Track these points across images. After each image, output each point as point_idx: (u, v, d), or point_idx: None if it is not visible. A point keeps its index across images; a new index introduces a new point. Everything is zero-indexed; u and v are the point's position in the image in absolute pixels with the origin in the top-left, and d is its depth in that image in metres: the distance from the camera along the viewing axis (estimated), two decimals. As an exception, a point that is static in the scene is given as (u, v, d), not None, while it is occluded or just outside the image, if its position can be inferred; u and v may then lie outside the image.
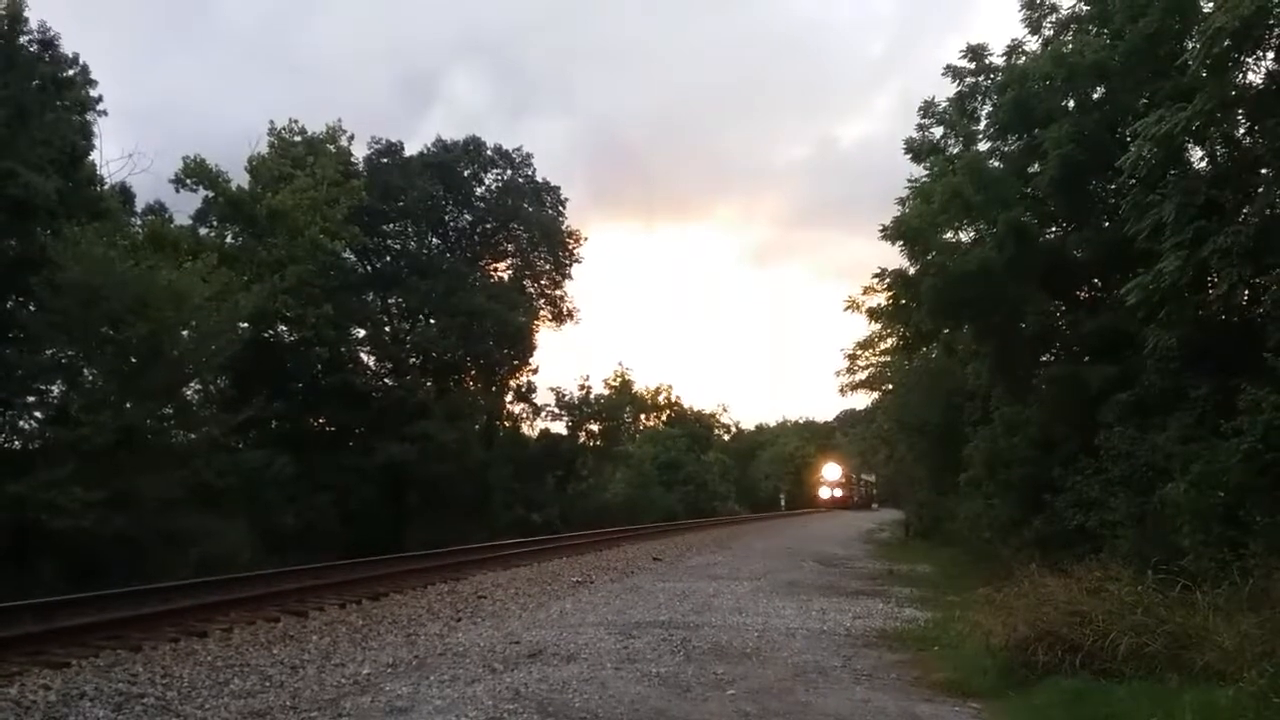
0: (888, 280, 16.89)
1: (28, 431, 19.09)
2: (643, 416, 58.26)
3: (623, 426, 48.75)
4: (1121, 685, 6.23)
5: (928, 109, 17.64)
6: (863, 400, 41.81)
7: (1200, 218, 9.48)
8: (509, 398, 40.25)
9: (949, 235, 15.96)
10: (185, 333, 19.87)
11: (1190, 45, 10.14)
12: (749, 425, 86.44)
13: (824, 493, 78.61)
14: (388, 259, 36.51)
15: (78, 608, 10.33)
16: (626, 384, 51.76)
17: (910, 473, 32.95)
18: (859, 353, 31.39)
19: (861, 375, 32.25)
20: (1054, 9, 14.91)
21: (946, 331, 17.51)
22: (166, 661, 7.76)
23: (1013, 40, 15.49)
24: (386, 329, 35.44)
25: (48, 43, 20.37)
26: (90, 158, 21.71)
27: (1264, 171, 10.18)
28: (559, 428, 42.92)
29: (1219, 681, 5.88)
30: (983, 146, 16.03)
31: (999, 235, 13.94)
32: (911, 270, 16.36)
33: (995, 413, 16.28)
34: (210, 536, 18.37)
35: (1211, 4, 9.92)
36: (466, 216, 38.81)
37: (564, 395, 43.05)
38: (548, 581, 14.53)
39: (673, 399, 62.67)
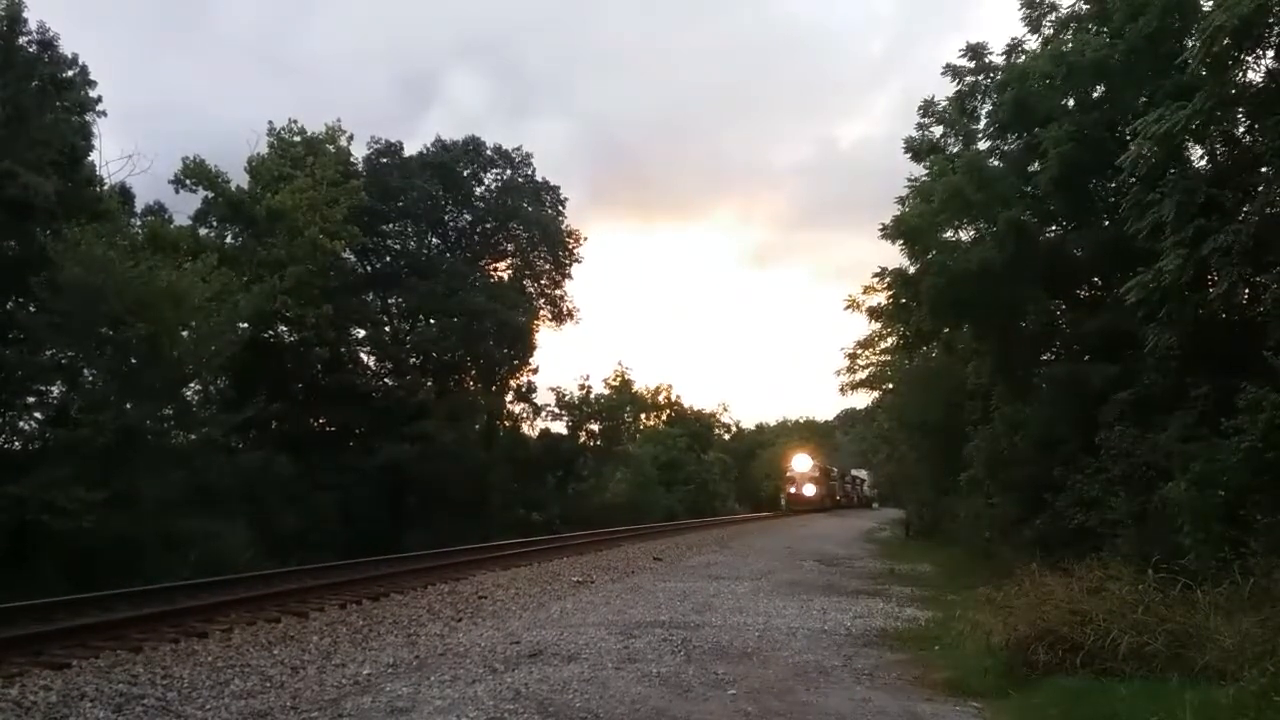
0: (888, 279, 16.95)
1: (28, 432, 19.11)
2: (643, 416, 58.20)
3: (623, 426, 48.72)
4: (1122, 684, 6.22)
5: (928, 108, 17.69)
6: (863, 400, 41.80)
7: (1200, 216, 9.50)
8: (509, 398, 40.25)
9: (949, 234, 16.00)
10: (185, 333, 19.87)
11: (1190, 43, 10.17)
12: (749, 425, 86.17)
13: (793, 491, 59.03)
14: (387, 259, 36.54)
15: (78, 608, 10.34)
16: (626, 384, 51.76)
17: (911, 472, 32.94)
18: (859, 352, 31.50)
19: (862, 375, 32.36)
20: (1054, 8, 14.93)
21: (947, 331, 17.53)
22: (167, 662, 7.75)
23: (1012, 39, 15.56)
24: (386, 329, 35.46)
25: (47, 43, 20.35)
26: (90, 158, 21.74)
27: (1264, 170, 10.18)
28: (559, 428, 42.94)
29: (1220, 680, 5.88)
30: (983, 145, 16.07)
31: (999, 234, 13.95)
32: (912, 269, 16.40)
33: (996, 412, 16.29)
34: (210, 537, 18.37)
35: (1211, 2, 9.93)
36: (466, 216, 38.83)
37: (564, 395, 43.09)
38: (548, 581, 14.51)
39: (673, 399, 62.57)
